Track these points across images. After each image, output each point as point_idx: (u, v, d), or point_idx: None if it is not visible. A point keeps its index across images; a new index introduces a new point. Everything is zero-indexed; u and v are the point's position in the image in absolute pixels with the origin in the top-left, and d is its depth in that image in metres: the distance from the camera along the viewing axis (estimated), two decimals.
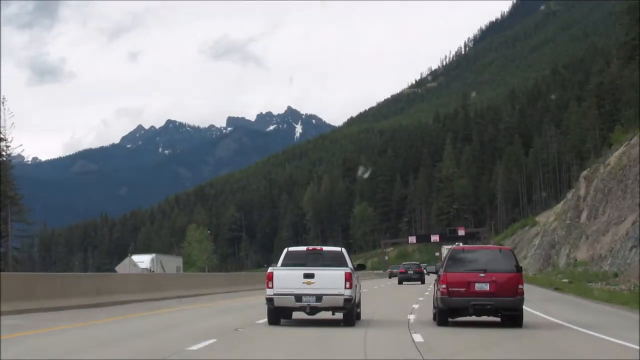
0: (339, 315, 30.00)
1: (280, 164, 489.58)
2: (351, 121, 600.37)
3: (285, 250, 30.60)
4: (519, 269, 30.72)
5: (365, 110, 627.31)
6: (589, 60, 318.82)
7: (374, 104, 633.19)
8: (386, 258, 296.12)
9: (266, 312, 29.58)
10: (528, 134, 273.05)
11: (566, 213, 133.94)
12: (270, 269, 29.26)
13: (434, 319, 32.35)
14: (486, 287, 30.14)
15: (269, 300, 28.73)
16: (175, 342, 23.22)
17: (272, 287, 28.53)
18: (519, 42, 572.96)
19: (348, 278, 28.19)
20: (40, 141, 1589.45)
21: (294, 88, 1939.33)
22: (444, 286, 30.43)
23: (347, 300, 28.13)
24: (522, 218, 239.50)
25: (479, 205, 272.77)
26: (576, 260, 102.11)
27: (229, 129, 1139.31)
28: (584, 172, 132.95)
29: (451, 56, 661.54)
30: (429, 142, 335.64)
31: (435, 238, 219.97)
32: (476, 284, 30.23)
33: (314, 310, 28.71)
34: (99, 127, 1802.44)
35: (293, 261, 29.47)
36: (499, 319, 31.57)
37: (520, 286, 30.24)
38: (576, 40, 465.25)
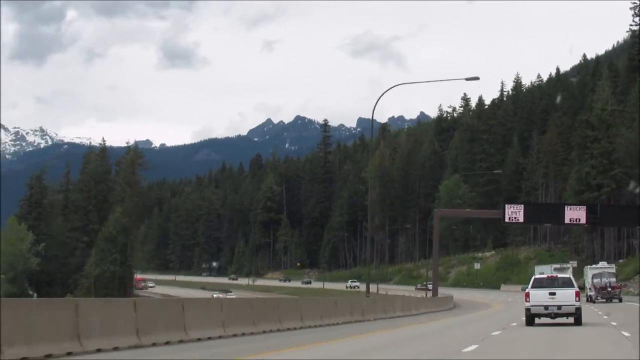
0: (570, 320, 37.71)
1: None
2: None
3: (533, 278, 39.74)
4: None
5: None
6: None
7: None
8: (478, 267, 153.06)
9: (524, 317, 37.90)
10: None
11: None
12: (527, 290, 38.17)
13: None
14: None
15: (527, 310, 37.52)
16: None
17: (529, 301, 37.26)
18: None
19: (577, 295, 37.22)
20: (169, 127, 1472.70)
21: (431, 93, 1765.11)
22: None
23: (577, 309, 37.22)
24: None
25: None
26: None
27: (358, 129, 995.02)
28: None
29: None
30: (564, 87, 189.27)
31: (576, 214, 75.04)
32: None
33: (555, 315, 37.39)
34: (227, 117, 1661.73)
35: (538, 284, 37.89)
36: None
37: None
38: None
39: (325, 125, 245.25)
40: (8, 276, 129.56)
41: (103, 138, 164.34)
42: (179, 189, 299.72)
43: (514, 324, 38.97)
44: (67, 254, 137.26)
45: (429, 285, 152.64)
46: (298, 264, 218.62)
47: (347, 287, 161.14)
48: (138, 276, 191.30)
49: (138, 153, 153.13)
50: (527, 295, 37.74)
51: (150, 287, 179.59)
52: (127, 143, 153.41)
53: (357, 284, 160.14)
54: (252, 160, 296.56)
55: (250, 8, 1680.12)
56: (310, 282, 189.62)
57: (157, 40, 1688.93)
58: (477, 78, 56.43)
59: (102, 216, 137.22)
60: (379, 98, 55.67)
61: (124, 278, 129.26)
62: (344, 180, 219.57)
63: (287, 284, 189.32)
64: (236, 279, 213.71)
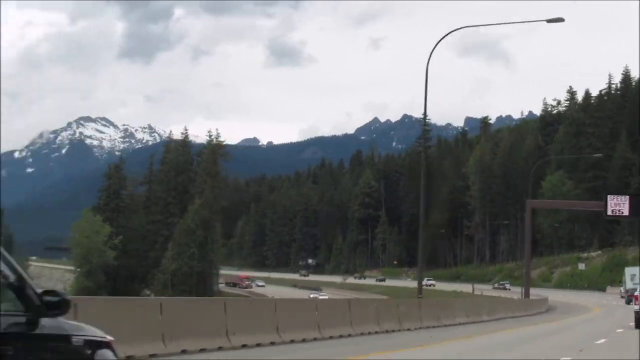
0: None
1: None
2: None
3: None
4: None
5: None
6: None
7: None
8: (582, 267, 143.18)
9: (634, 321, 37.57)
10: None
11: None
12: (636, 293, 38.29)
13: None
14: None
15: (637, 313, 37.16)
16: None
17: (638, 304, 37.14)
18: None
19: None
20: (277, 125, 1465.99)
21: (538, 90, 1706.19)
22: None
23: None
24: None
25: None
26: None
27: (465, 128, 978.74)
28: None
29: None
30: None
31: None
32: None
33: None
34: (334, 115, 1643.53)
35: None
36: None
37: None
38: None
39: (424, 119, 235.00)
40: (83, 270, 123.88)
41: (185, 127, 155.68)
42: (277, 185, 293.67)
43: (601, 340, 29.60)
44: (147, 248, 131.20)
45: (506, 285, 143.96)
46: (395, 262, 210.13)
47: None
48: (242, 274, 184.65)
49: (219, 143, 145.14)
50: (637, 298, 37.75)
51: (260, 285, 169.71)
52: (208, 132, 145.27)
53: (433, 281, 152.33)
54: (352, 157, 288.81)
55: (356, 6, 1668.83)
56: (384, 280, 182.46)
57: (264, 39, 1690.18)
58: (561, 19, 48.08)
59: (183, 208, 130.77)
60: (438, 42, 47.18)
61: (202, 274, 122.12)
62: (442, 175, 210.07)
63: (361, 282, 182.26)
64: (307, 276, 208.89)
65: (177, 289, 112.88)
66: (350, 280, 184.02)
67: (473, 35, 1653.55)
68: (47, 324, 7.91)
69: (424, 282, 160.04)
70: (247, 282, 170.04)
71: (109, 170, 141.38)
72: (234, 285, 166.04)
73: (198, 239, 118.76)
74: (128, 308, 20.07)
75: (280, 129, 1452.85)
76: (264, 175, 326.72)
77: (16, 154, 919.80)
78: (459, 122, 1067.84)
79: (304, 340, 25.83)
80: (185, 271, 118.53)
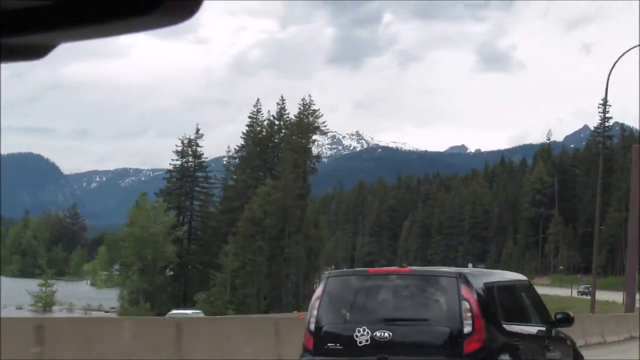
0: None
1: None
2: None
3: None
4: None
5: None
6: None
7: None
8: None
9: None
10: None
11: None
12: None
13: None
14: None
15: None
16: None
17: None
18: None
19: None
20: (485, 132, 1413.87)
21: None
22: None
23: None
24: None
25: None
26: None
27: None
28: None
29: None
30: None
31: None
32: None
33: None
34: (543, 122, 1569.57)
35: None
36: None
37: None
38: None
39: (604, 105, 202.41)
40: (137, 266, 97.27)
41: (282, 96, 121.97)
42: (451, 184, 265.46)
43: None
44: (217, 240, 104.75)
45: (590, 289, 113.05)
46: (561, 267, 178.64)
47: None
48: None
49: (312, 111, 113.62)
50: None
51: None
52: (302, 100, 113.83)
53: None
54: (537, 154, 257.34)
55: (570, 9, 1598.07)
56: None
57: (473, 43, 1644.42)
58: None
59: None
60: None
61: (272, 275, 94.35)
62: (622, 170, 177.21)
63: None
64: None
65: (238, 293, 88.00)
66: None
67: None
68: (555, 333, 13.61)
69: (581, 288, 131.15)
70: None
71: (182, 147, 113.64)
72: None
73: (268, 230, 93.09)
74: None
75: (489, 135, 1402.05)
76: (438, 172, 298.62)
77: (225, 160, 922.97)
78: None
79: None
80: (249, 270, 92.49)
